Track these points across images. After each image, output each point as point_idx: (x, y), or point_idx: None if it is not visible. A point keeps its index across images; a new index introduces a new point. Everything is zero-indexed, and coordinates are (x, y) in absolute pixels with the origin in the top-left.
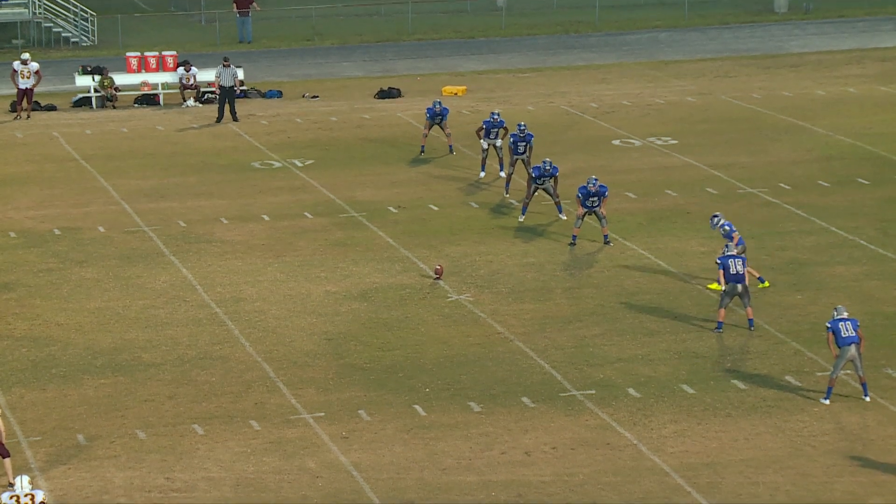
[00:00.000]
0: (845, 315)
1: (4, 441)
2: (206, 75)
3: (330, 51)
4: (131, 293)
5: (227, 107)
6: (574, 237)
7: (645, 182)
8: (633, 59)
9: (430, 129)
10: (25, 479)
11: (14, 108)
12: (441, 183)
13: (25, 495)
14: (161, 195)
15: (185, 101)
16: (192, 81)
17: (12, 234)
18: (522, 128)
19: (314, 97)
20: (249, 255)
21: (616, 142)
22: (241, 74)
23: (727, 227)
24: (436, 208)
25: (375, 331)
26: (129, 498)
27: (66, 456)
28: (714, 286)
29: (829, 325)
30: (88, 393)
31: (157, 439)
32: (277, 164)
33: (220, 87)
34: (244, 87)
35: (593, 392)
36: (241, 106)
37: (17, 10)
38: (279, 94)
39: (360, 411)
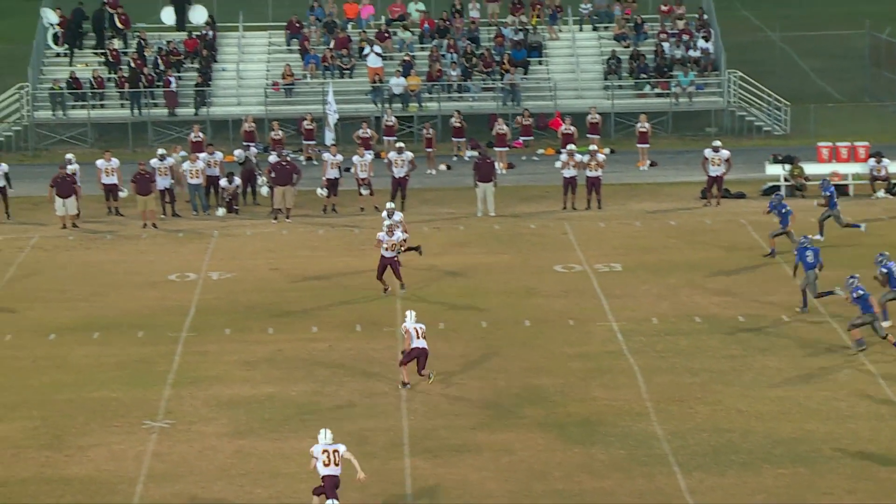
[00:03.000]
0: None
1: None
2: None
3: None
4: (813, 383)
5: None
6: None
7: None
8: None
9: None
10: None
11: (704, 194)
12: None
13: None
14: None
15: (875, 192)
16: (882, 173)
17: (697, 319)
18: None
19: None
20: None
21: None
22: None
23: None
24: None
25: None
26: None
27: None
28: None
29: None
30: (766, 482)
31: None
32: None
33: None
34: None
35: None
36: None
37: (712, 98)
38: None
39: None
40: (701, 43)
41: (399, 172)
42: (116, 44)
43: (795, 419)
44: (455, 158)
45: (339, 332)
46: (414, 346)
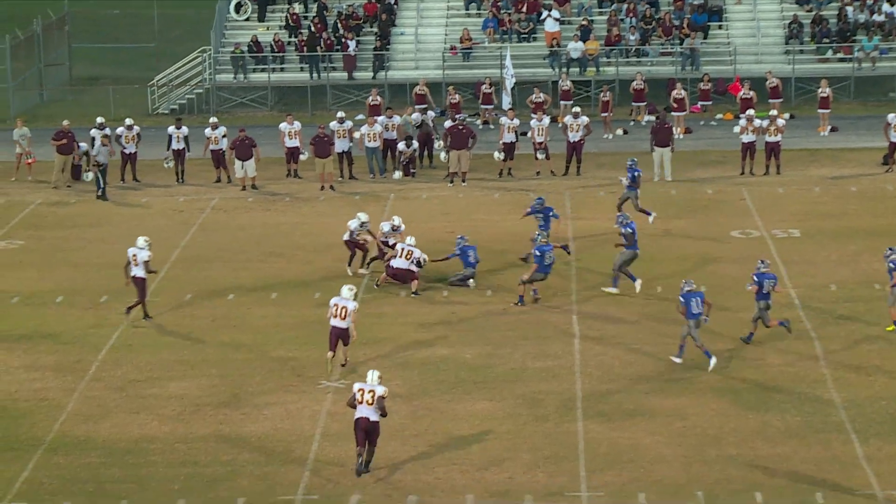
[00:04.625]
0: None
1: None
2: None
3: None
4: None
5: None
6: None
7: None
8: None
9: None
10: (376, 373)
11: (886, 160)
12: None
13: (369, 391)
14: None
15: None
16: None
17: (877, 286)
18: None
19: None
20: None
21: None
22: None
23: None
24: None
25: None
26: None
27: None
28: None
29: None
30: None
31: None
32: None
33: None
34: None
35: None
36: None
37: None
38: None
39: None
40: (886, 7)
41: (574, 137)
42: (297, 8)
43: None
44: (632, 123)
45: (513, 296)
46: (395, 263)
